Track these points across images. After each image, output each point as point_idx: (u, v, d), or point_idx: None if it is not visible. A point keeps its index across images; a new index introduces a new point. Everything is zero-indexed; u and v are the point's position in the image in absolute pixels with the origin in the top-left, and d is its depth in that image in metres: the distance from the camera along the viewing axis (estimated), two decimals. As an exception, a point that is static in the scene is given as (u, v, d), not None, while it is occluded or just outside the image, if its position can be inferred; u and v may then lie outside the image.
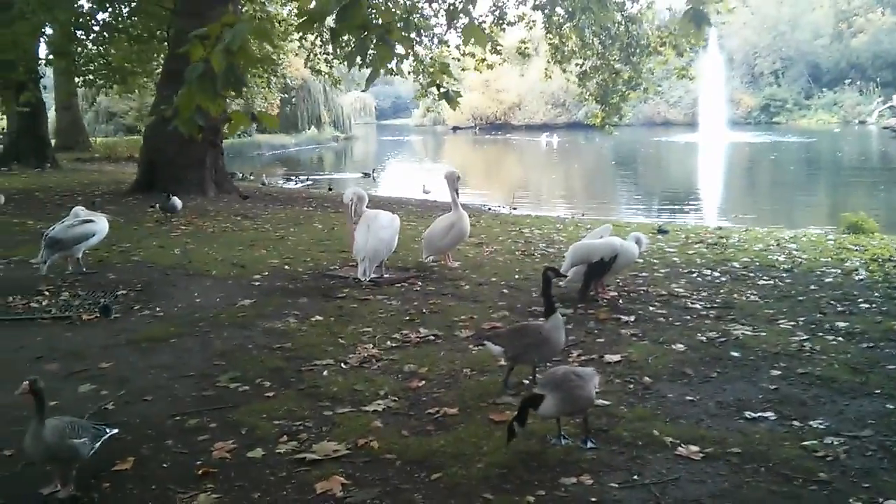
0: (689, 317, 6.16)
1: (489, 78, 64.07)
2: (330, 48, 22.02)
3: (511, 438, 3.64)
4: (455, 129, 78.08)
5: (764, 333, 5.62)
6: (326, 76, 25.33)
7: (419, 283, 7.51)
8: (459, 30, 4.19)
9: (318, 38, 21.88)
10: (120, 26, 19.57)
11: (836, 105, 68.31)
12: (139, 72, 20.96)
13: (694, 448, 3.73)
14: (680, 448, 3.74)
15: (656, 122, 69.03)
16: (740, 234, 11.58)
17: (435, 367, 5.01)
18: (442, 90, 4.37)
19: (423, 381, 4.75)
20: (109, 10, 19.13)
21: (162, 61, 21.74)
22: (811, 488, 3.37)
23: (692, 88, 62.65)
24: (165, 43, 19.65)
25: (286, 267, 8.24)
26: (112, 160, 29.84)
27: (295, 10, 22.52)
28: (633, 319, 6.06)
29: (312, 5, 3.70)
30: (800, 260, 8.83)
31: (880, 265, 8.45)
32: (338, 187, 23.52)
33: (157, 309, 6.54)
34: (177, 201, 12.09)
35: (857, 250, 9.80)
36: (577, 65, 20.39)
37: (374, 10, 3.69)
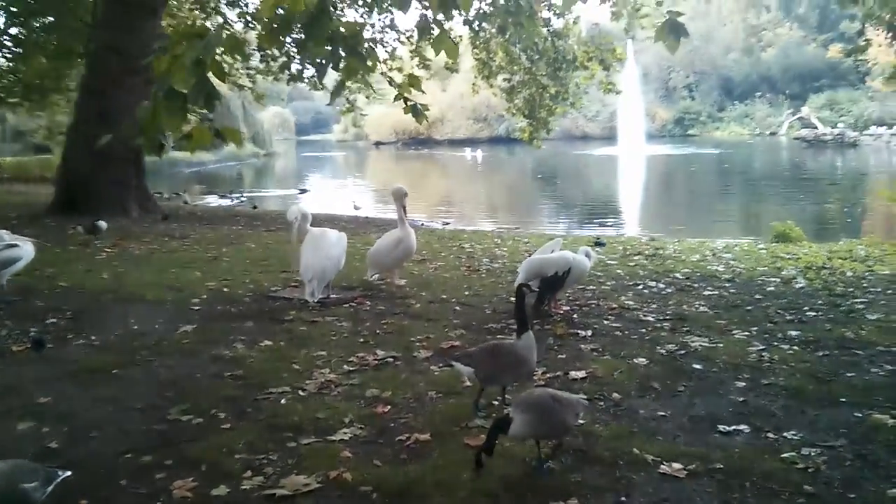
0: (644, 329, 6.15)
1: (412, 93, 64.16)
2: (252, 63, 21.70)
3: (479, 467, 3.49)
4: (378, 144, 77.87)
5: (721, 344, 5.65)
6: (249, 91, 24.86)
7: (368, 302, 7.31)
8: (428, 41, 4.04)
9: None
10: (34, 41, 18.71)
11: (748, 117, 71.04)
12: (57, 88, 20.04)
13: (677, 465, 3.65)
14: (663, 466, 3.66)
15: (575, 136, 70.34)
16: (674, 245, 11.78)
17: (398, 390, 4.83)
18: (410, 104, 4.22)
19: (389, 407, 4.56)
20: (23, 23, 18.24)
21: (76, 78, 21.05)
22: (800, 501, 3.34)
23: (609, 103, 64.14)
24: (80, 59, 18.98)
25: (225, 289, 7.91)
26: (22, 180, 28.54)
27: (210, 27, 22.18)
28: (590, 334, 6.01)
29: (275, 16, 3.51)
30: (739, 270, 9.00)
31: (817, 273, 8.69)
32: (264, 205, 23.07)
33: (93, 337, 6.15)
34: (102, 224, 11.56)
35: (790, 258, 10.08)
36: (504, 80, 20.55)
37: (338, 24, 3.52)
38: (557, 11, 18.62)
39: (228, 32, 3.27)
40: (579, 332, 6.07)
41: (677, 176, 36.97)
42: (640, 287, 7.92)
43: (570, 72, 19.31)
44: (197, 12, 20.82)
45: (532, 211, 24.57)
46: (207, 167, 47.48)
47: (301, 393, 4.85)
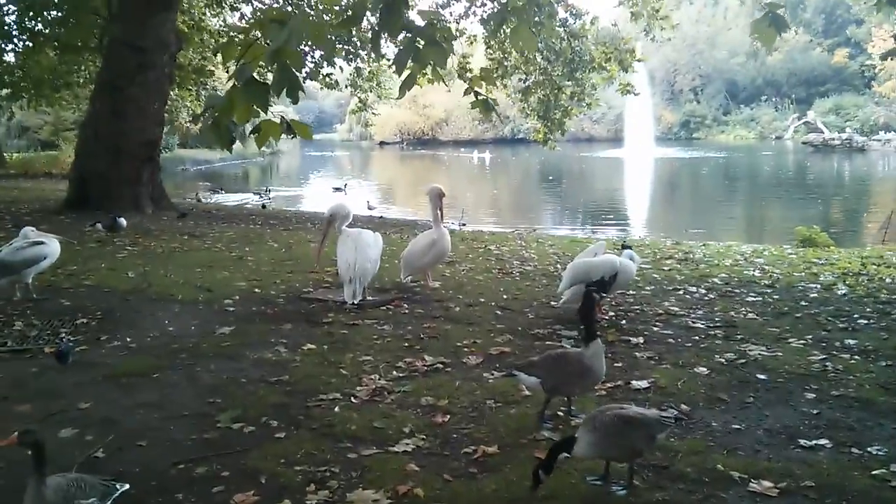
0: (696, 337, 5.97)
1: (416, 93, 63.92)
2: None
3: (536, 486, 3.32)
4: (382, 144, 77.63)
5: (780, 353, 5.46)
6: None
7: (405, 304, 7.12)
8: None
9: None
10: (44, 35, 18.51)
11: (753, 121, 70.90)
12: (71, 83, 19.84)
13: (766, 483, 3.47)
14: (752, 484, 3.48)
15: (581, 139, 70.16)
16: (701, 250, 11.58)
17: (454, 399, 4.64)
18: (480, 97, 4.04)
19: (448, 416, 4.37)
20: (35, 16, 18.03)
21: (85, 72, 20.85)
22: (903, 525, 3.16)
23: (615, 105, 64.04)
24: (91, 54, 18.80)
25: (256, 290, 7.73)
26: (29, 176, 28.38)
27: (223, 23, 21.97)
28: (642, 341, 5.82)
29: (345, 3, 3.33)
30: (776, 275, 8.81)
31: (856, 279, 8.50)
32: (278, 204, 22.88)
33: (128, 339, 5.96)
34: (122, 221, 11.39)
35: (823, 264, 9.90)
36: (519, 80, 20.36)
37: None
38: (574, 11, 18.49)
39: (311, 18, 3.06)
40: (630, 338, 5.88)
41: (689, 179, 36.85)
42: (681, 292, 7.74)
43: (586, 72, 19.13)
44: (210, 8, 20.66)
45: (546, 213, 24.41)
46: (213, 166, 47.32)
47: (353, 400, 4.67)
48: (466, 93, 4.24)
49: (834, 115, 64.57)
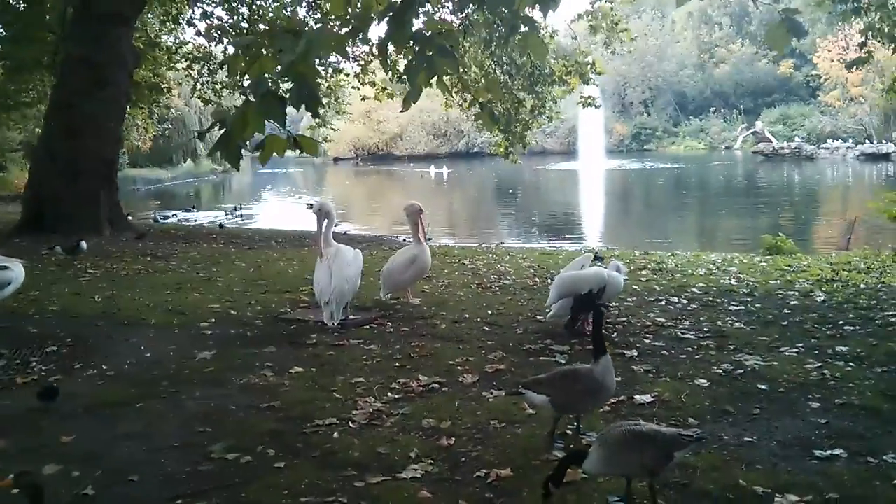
0: (689, 348, 5.91)
1: (370, 108, 63.51)
2: (217, 77, 21.14)
3: (547, 498, 3.21)
4: (336, 160, 77.01)
5: (776, 363, 5.43)
6: (216, 106, 24.20)
7: (388, 323, 6.96)
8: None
9: (206, 67, 20.97)
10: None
11: (703, 132, 72.11)
12: (20, 102, 19.24)
13: (792, 497, 3.40)
14: (777, 498, 3.41)
15: (534, 151, 70.41)
16: (672, 260, 11.61)
17: (457, 420, 4.49)
18: (486, 109, 3.92)
19: (453, 439, 4.22)
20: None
21: (33, 91, 20.23)
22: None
23: (567, 118, 64.58)
24: (38, 72, 18.24)
25: (232, 312, 7.48)
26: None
27: (175, 40, 21.55)
28: (636, 354, 5.75)
29: (350, 12, 3.19)
30: (752, 283, 8.85)
31: (832, 286, 8.57)
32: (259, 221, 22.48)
33: (104, 367, 5.69)
34: (83, 244, 11.04)
35: (794, 271, 10.00)
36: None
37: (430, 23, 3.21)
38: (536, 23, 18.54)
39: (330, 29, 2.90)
40: (624, 352, 5.80)
41: (645, 190, 37.31)
42: (663, 303, 7.70)
43: (546, 86, 19.20)
44: (165, 25, 20.26)
45: (508, 226, 24.40)
46: (165, 184, 46.57)
47: (351, 424, 4.49)
48: (470, 105, 4.11)
49: (781, 124, 66.07)
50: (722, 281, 9.06)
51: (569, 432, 4.27)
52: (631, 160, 58.80)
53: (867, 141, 54.58)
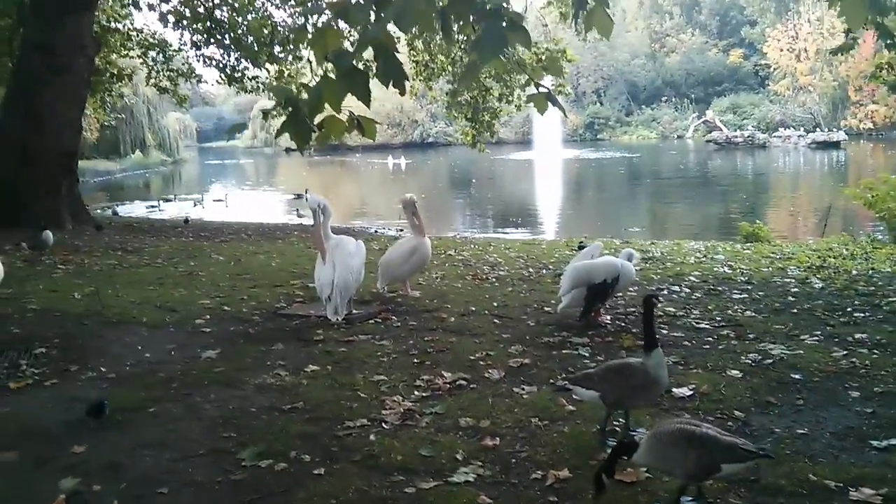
0: (709, 338, 5.82)
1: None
2: (173, 64, 20.53)
3: (600, 491, 3.07)
4: (288, 150, 75.80)
5: (801, 352, 5.36)
6: (171, 94, 23.49)
7: (393, 317, 6.73)
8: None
9: (161, 54, 20.35)
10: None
11: (655, 121, 73.07)
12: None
13: (867, 491, 3.30)
14: (852, 493, 3.30)
15: (490, 141, 70.46)
16: (658, 248, 11.58)
17: (495, 419, 4.31)
18: (542, 90, 3.73)
19: (498, 439, 4.03)
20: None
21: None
22: None
23: (523, 108, 64.61)
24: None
25: (225, 308, 7.17)
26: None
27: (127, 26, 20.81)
28: (659, 346, 5.60)
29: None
30: (745, 271, 8.84)
31: (826, 273, 8.59)
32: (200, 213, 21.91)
33: (103, 369, 5.37)
34: (48, 235, 10.52)
35: (780, 258, 10.04)
36: (447, 82, 20.11)
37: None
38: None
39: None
40: (646, 343, 5.67)
41: (609, 179, 37.55)
42: (665, 292, 7.62)
43: (514, 74, 19.05)
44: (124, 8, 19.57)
45: (475, 216, 24.24)
46: (114, 176, 45.44)
47: (385, 426, 4.27)
48: (526, 84, 3.92)
49: (731, 113, 67.24)
50: (715, 269, 9.03)
51: (617, 428, 4.11)
52: (587, 150, 59.18)
53: (817, 129, 55.81)
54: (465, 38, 17.11)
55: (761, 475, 3.48)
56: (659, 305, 6.71)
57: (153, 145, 54.84)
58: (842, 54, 10.40)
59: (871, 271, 8.75)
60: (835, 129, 53.86)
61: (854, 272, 8.68)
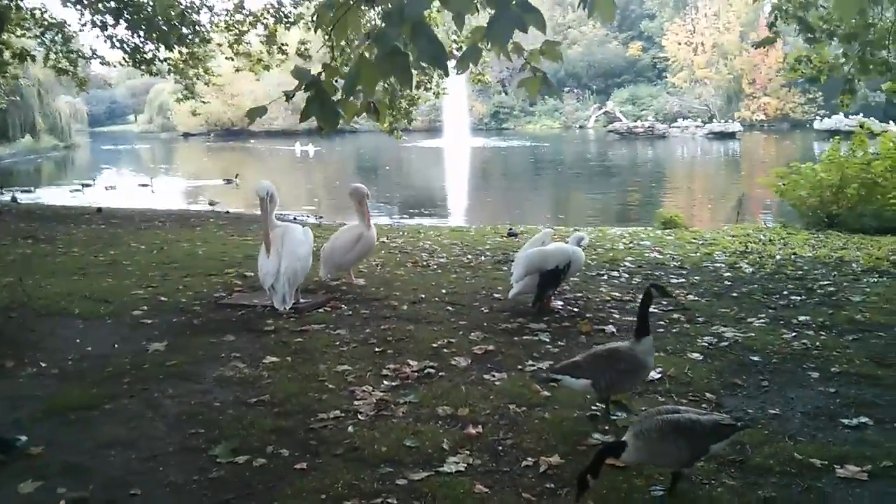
0: (662, 322, 5.91)
1: (224, 81, 60.68)
2: (73, 45, 19.52)
3: (582, 492, 3.04)
4: (186, 135, 73.37)
5: (752, 334, 5.51)
6: (71, 76, 22.32)
7: (343, 305, 6.56)
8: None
9: (60, 35, 19.30)
10: None
11: (557, 111, 74.29)
12: None
13: (852, 468, 3.41)
14: (839, 470, 3.41)
15: (405, 128, 70.07)
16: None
17: (473, 406, 4.24)
18: (539, 74, 3.66)
19: (480, 427, 3.97)
20: None
21: None
22: None
23: (429, 97, 64.55)
24: None
25: (162, 298, 6.82)
26: None
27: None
28: (615, 330, 5.68)
29: None
30: (675, 256, 9.07)
31: (752, 258, 8.91)
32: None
33: (42, 363, 5.02)
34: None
35: (702, 244, 10.36)
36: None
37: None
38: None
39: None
40: (604, 327, 5.73)
41: (518, 167, 37.97)
42: (605, 277, 7.73)
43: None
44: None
45: (393, 203, 24.00)
46: (3, 161, 42.94)
47: (360, 417, 4.15)
48: (523, 68, 3.85)
49: (630, 104, 69.16)
50: (646, 254, 9.23)
51: (597, 413, 4.12)
52: (494, 138, 59.70)
53: (713, 120, 58.04)
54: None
55: (748, 454, 3.55)
56: (602, 291, 6.82)
57: (44, 129, 52.05)
58: (764, 47, 10.80)
59: (793, 256, 9.13)
60: (731, 121, 56.13)
61: (778, 257, 9.04)
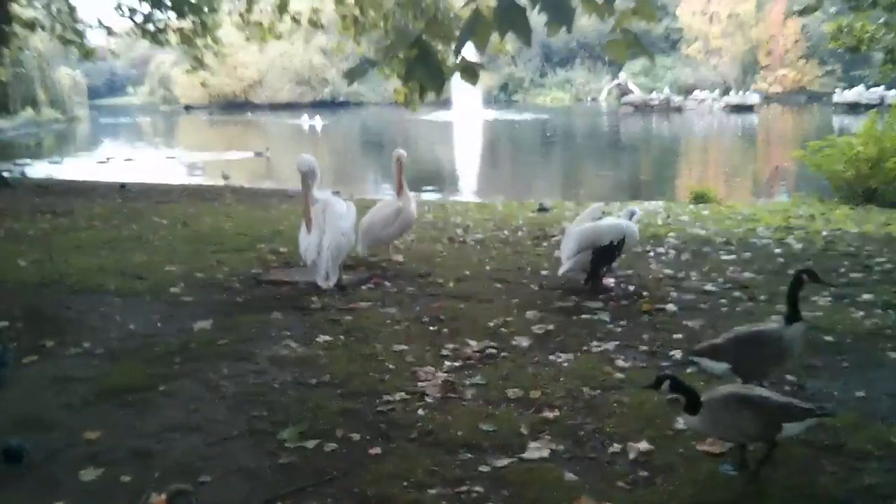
0: (722, 300, 5.71)
1: (227, 52, 59.62)
2: (80, 15, 19.22)
3: (655, 387, 3.09)
4: (188, 108, 72.55)
5: (820, 313, 5.29)
6: (77, 47, 21.98)
7: (387, 283, 6.38)
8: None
9: (66, 4, 19.01)
10: None
11: (569, 83, 73.53)
12: None
13: (960, 455, 3.22)
14: (945, 458, 3.21)
15: (422, 101, 69.38)
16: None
17: (545, 389, 4.06)
18: (628, 36, 3.43)
19: (556, 411, 3.79)
20: None
21: None
22: None
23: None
24: None
25: (198, 275, 6.64)
26: None
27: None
28: (676, 309, 5.48)
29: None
30: (720, 232, 8.84)
31: (799, 234, 8.66)
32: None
33: (86, 343, 4.85)
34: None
35: (742, 219, 10.12)
36: (380, 37, 19.46)
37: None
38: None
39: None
40: (663, 306, 5.53)
41: (534, 140, 37.51)
42: (652, 254, 7.51)
43: (455, 31, 18.60)
44: None
45: (418, 177, 23.66)
46: (6, 134, 42.66)
47: (428, 399, 3.98)
48: (613, 30, 3.61)
49: (644, 76, 68.24)
50: (689, 230, 9.00)
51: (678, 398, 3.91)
52: (505, 111, 59.07)
53: (730, 92, 57.19)
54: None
55: (843, 439, 3.37)
56: (652, 268, 6.61)
57: (45, 102, 51.61)
58: (809, 14, 10.50)
59: (839, 231, 8.87)
60: (749, 92, 55.25)
61: (825, 233, 8.77)
